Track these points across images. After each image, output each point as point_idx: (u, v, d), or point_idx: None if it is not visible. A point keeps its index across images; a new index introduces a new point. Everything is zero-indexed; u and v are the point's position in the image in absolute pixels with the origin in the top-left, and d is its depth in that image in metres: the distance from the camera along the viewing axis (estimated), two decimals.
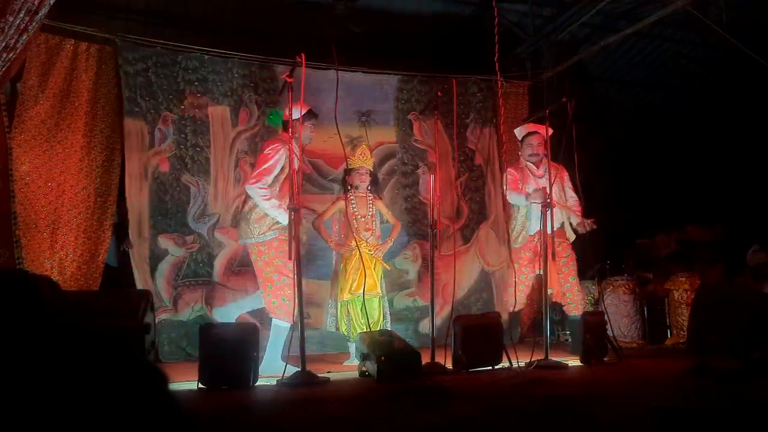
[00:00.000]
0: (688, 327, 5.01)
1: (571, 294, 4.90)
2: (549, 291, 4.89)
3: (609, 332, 4.38)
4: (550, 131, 4.88)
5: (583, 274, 6.28)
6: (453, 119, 5.58)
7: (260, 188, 4.13)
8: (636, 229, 7.85)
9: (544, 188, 4.43)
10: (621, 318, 5.67)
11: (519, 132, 5.13)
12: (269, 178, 4.17)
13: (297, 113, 4.35)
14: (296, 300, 3.80)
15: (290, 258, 3.76)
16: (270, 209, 4.17)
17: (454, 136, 6.05)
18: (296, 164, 4.24)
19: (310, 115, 4.42)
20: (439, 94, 4.69)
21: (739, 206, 7.30)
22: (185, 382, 3.61)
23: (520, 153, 5.13)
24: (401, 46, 6.58)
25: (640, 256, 7.55)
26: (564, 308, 5.05)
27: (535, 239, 4.84)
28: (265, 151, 4.24)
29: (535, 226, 4.84)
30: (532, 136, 4.96)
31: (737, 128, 7.73)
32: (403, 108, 6.15)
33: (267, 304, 4.28)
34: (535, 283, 5.07)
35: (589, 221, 4.81)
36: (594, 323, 4.32)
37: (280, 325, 4.21)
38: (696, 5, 5.08)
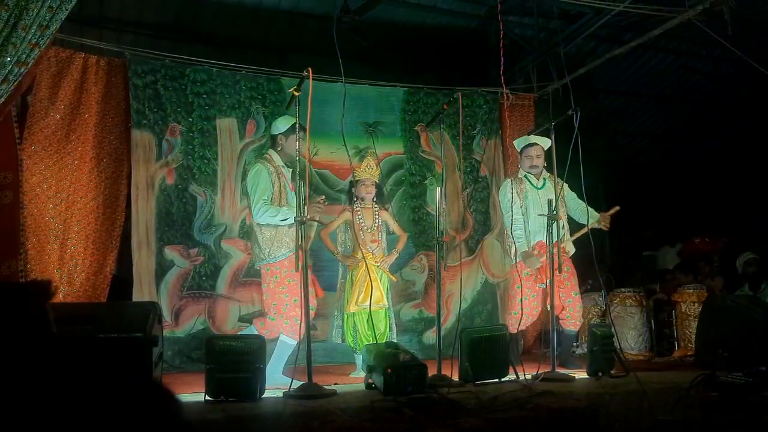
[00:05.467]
0: (696, 339, 4.99)
1: (571, 309, 4.83)
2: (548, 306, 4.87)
3: (616, 344, 4.36)
4: (550, 143, 4.90)
5: (589, 285, 6.28)
6: (459, 131, 5.61)
7: (265, 213, 4.18)
8: (643, 241, 7.84)
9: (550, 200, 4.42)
10: (628, 330, 5.64)
11: (518, 143, 5.09)
12: (266, 198, 4.21)
13: (283, 127, 4.40)
14: (303, 311, 3.80)
15: (296, 269, 3.77)
16: (284, 217, 4.19)
17: (460, 148, 6.07)
18: (283, 178, 4.30)
19: (297, 128, 4.45)
20: (445, 107, 4.71)
21: (746, 218, 7.28)
22: (192, 393, 3.62)
23: (519, 165, 5.11)
24: (408, 59, 6.62)
25: (646, 268, 7.54)
26: (561, 322, 4.89)
27: (536, 251, 4.80)
28: (251, 177, 4.29)
29: (536, 238, 4.80)
30: (531, 147, 4.92)
31: (743, 140, 7.72)
32: (410, 120, 6.17)
33: (276, 324, 4.26)
34: (541, 296, 5.01)
35: (608, 214, 4.80)
36: (601, 335, 4.30)
37: (287, 342, 4.22)
38: (702, 18, 5.10)
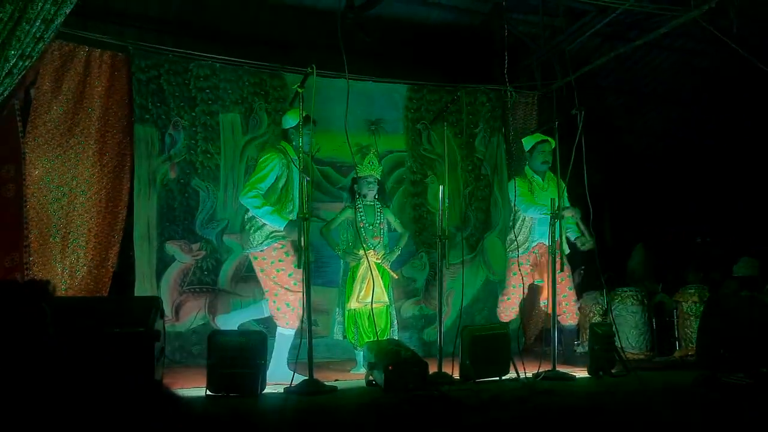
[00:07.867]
0: (697, 339, 4.99)
1: (567, 304, 4.94)
2: (543, 303, 4.93)
3: (617, 343, 4.37)
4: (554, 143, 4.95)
5: (591, 285, 6.28)
6: (462, 129, 5.59)
7: (252, 198, 4.19)
8: (647, 239, 7.82)
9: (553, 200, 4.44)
10: (629, 329, 5.63)
11: (529, 141, 5.12)
12: (262, 186, 4.22)
13: (293, 121, 4.40)
14: (304, 308, 3.81)
15: (299, 266, 3.79)
16: (264, 215, 4.22)
17: (464, 146, 6.06)
18: (295, 173, 4.28)
19: (307, 121, 4.45)
20: (448, 104, 4.70)
21: (748, 218, 7.26)
22: (193, 388, 3.63)
23: (528, 163, 5.12)
24: (411, 55, 6.60)
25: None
26: (558, 318, 4.92)
27: (535, 251, 4.97)
28: (259, 161, 4.31)
29: (537, 239, 4.95)
30: (544, 143, 4.98)
31: (747, 140, 7.70)
32: (412, 117, 6.16)
33: (272, 311, 4.34)
34: (530, 294, 5.17)
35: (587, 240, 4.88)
36: (602, 334, 4.30)
37: (284, 333, 4.26)
38: (707, 17, 5.08)
